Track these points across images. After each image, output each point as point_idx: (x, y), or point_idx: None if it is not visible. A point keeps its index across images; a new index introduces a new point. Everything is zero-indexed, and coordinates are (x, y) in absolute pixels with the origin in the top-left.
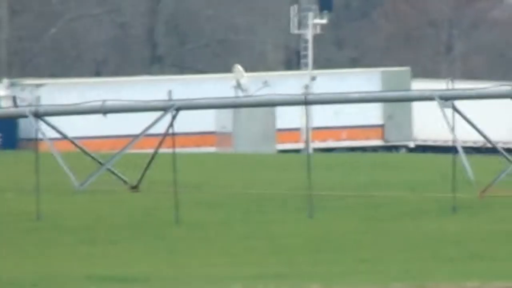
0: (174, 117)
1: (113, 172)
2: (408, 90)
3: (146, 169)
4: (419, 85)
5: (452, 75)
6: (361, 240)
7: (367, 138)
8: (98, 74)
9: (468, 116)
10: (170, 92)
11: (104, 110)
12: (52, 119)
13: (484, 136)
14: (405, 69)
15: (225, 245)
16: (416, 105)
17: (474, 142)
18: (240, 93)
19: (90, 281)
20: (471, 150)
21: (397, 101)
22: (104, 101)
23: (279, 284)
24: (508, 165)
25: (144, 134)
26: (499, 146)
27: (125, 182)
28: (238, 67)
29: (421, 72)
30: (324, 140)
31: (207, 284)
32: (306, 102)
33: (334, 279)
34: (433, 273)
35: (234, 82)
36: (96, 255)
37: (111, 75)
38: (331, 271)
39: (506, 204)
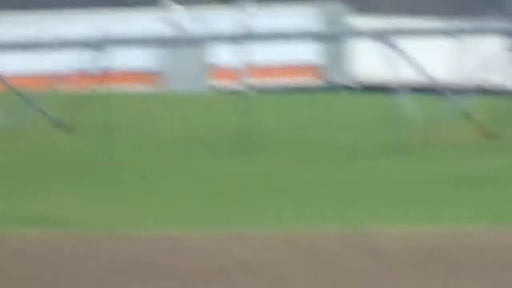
0: (104, 54)
1: (41, 110)
2: (348, 27)
3: (75, 107)
4: (360, 22)
5: (394, 11)
6: (300, 181)
7: (307, 78)
8: (23, 7)
9: (411, 55)
10: (98, 27)
11: (34, 45)
12: None
13: (429, 76)
14: (344, 4)
15: (160, 188)
16: (356, 43)
17: (416, 82)
18: (173, 30)
19: (15, 221)
20: (413, 90)
21: (336, 38)
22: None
23: (213, 226)
24: (449, 105)
25: (75, 71)
26: (442, 85)
27: (54, 120)
28: (170, 2)
29: (361, 8)
30: (261, 79)
31: (139, 227)
32: (243, 38)
33: (271, 221)
34: (375, 215)
35: (169, 17)
36: (22, 195)
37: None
38: (269, 213)
39: (449, 146)
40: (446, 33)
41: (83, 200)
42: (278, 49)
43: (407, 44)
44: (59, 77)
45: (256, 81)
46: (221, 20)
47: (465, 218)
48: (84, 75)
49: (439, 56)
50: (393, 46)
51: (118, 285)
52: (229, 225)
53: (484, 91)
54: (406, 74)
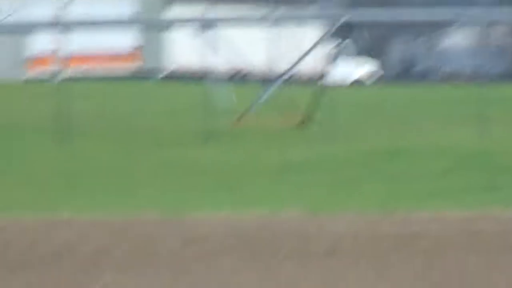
0: None
1: None
2: (164, 15)
3: None
4: (176, 10)
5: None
6: (115, 168)
7: (122, 65)
8: None
9: (226, 43)
10: None
11: None
12: None
13: (243, 65)
14: None
15: None
16: (172, 31)
17: (230, 70)
18: None
19: None
20: (227, 78)
21: (152, 26)
22: None
23: (32, 212)
24: (263, 93)
25: None
26: (255, 74)
27: None
28: None
29: None
30: (77, 67)
31: None
32: (60, 26)
33: (88, 208)
34: (187, 202)
35: None
36: None
37: None
38: (86, 199)
39: (259, 133)
40: (263, 21)
41: None
42: (96, 37)
43: (223, 32)
44: None
45: (73, 68)
46: (39, 8)
47: (276, 205)
48: None
49: (255, 44)
50: (209, 35)
51: None
52: (48, 209)
53: (297, 80)
54: (220, 62)
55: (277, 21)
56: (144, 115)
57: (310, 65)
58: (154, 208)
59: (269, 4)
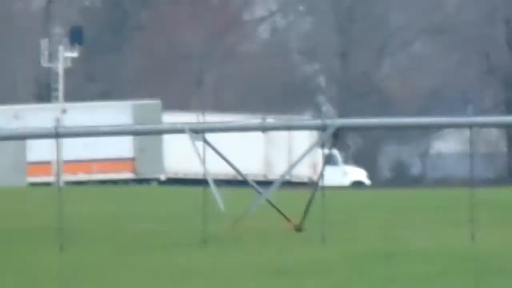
0: None
1: None
2: (159, 122)
3: None
4: (170, 118)
5: (203, 108)
6: (110, 273)
7: (118, 171)
8: None
9: (220, 149)
10: None
11: None
12: None
13: (234, 168)
14: (156, 101)
15: None
16: (167, 138)
17: (225, 175)
18: None
19: None
20: (222, 182)
21: (148, 134)
22: None
23: None
24: (258, 197)
25: None
26: (249, 178)
27: None
28: None
29: (172, 105)
30: (75, 173)
31: None
32: (57, 135)
33: None
34: None
35: None
36: None
37: None
38: None
39: (257, 236)
40: (255, 128)
41: None
42: (94, 145)
43: (217, 138)
44: None
45: (70, 175)
46: (38, 117)
47: None
48: None
49: (248, 149)
50: (203, 140)
51: None
52: None
53: (290, 184)
54: (215, 167)
55: (270, 129)
56: (140, 219)
57: (302, 170)
58: None
59: (261, 113)
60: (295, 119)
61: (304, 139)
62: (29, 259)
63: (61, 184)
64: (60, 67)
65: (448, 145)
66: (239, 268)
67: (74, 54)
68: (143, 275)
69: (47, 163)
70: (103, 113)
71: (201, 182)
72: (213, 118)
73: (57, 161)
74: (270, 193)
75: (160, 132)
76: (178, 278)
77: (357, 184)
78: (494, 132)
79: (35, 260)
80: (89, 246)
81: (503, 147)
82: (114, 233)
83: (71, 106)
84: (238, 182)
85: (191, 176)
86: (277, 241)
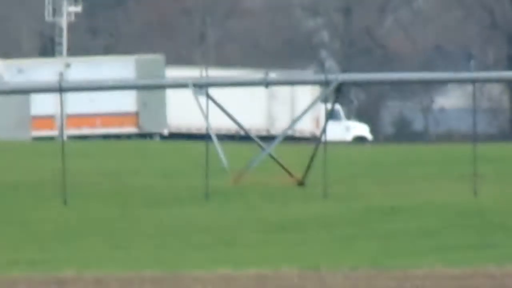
0: None
1: None
2: (162, 77)
3: None
4: (174, 73)
5: (206, 63)
6: (114, 226)
7: (122, 126)
8: None
9: (222, 104)
10: None
11: None
12: None
13: (237, 123)
14: (159, 56)
15: None
16: (170, 92)
17: (228, 130)
18: None
19: None
20: (225, 137)
21: (151, 88)
22: None
23: (33, 269)
24: (261, 152)
25: None
26: (252, 133)
27: None
28: None
29: (175, 60)
30: (78, 127)
31: None
32: (61, 89)
33: (88, 265)
34: (185, 260)
35: None
36: None
37: None
38: (85, 257)
39: (259, 191)
40: (258, 83)
41: None
42: (97, 99)
43: (220, 94)
44: None
45: (73, 129)
46: (42, 71)
47: (274, 262)
48: None
49: (251, 104)
50: (206, 95)
51: None
52: (48, 268)
53: (293, 139)
54: (218, 122)
55: (272, 83)
56: (143, 174)
57: (305, 125)
58: (152, 266)
59: (265, 67)
60: (298, 74)
61: (306, 94)
62: (33, 213)
63: (65, 138)
64: (63, 22)
65: (451, 100)
66: (242, 223)
67: (78, 8)
68: (146, 230)
69: (51, 117)
70: (106, 67)
71: (203, 137)
72: (216, 73)
73: (61, 115)
74: (273, 148)
75: (163, 87)
76: (181, 232)
77: (360, 139)
78: (497, 87)
79: (39, 214)
80: (92, 201)
81: (506, 102)
82: (118, 187)
83: (74, 60)
84: (241, 137)
85: (194, 131)
86: (280, 195)
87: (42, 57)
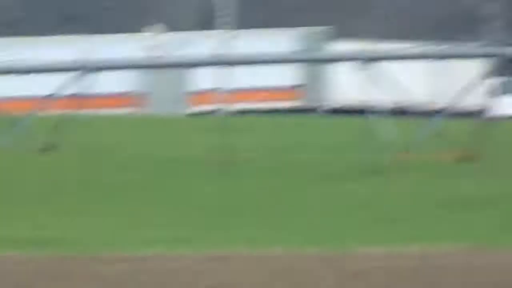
0: (86, 78)
1: (26, 133)
2: (326, 50)
3: (58, 130)
4: (337, 46)
5: (371, 36)
6: (277, 203)
7: (284, 100)
8: (10, 32)
9: (385, 78)
10: (82, 52)
11: (16, 70)
12: None
13: (406, 99)
14: (323, 28)
15: (138, 208)
16: (335, 66)
17: (391, 104)
18: (156, 53)
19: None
20: (387, 112)
21: (314, 62)
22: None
23: (193, 246)
24: (425, 127)
25: (59, 95)
26: (415, 107)
27: (39, 142)
28: (155, 26)
29: (340, 33)
30: (240, 102)
31: (118, 247)
32: (224, 62)
33: (250, 243)
34: (349, 236)
35: (150, 42)
36: (4, 215)
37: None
38: (244, 234)
39: (423, 167)
40: (424, 56)
41: (64, 220)
42: (258, 73)
43: (385, 67)
44: (45, 101)
45: (235, 104)
46: (201, 44)
47: (442, 239)
48: (69, 99)
49: (417, 79)
50: (371, 69)
51: None
52: (209, 245)
53: (460, 114)
54: (382, 96)
55: (438, 57)
56: (305, 149)
57: (472, 99)
58: (316, 243)
59: (431, 40)
60: (464, 46)
61: (472, 67)
62: (190, 189)
63: (226, 112)
64: None
65: None
66: (404, 199)
67: None
68: (307, 206)
69: (210, 91)
70: (269, 40)
71: (366, 111)
72: (380, 46)
73: (222, 90)
74: (437, 123)
75: (327, 61)
76: (343, 208)
77: None
78: None
79: (196, 190)
80: (254, 177)
81: None
82: (279, 163)
83: (238, 33)
84: (404, 112)
85: (356, 105)
86: (444, 172)
87: (203, 30)
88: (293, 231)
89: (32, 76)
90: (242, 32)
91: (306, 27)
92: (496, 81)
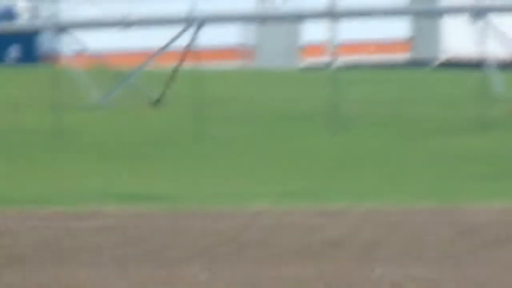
0: (197, 31)
1: (135, 87)
2: (437, 2)
3: (167, 84)
4: None
5: None
6: (388, 157)
7: (395, 53)
8: None
9: (500, 29)
10: (192, 3)
11: (127, 23)
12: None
13: None
14: None
15: (249, 162)
16: (447, 19)
17: (506, 58)
18: (264, 6)
19: (109, 197)
20: (502, 65)
21: (426, 14)
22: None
23: (302, 201)
24: None
25: (168, 48)
26: None
27: (147, 98)
28: None
29: None
30: (350, 54)
31: (231, 202)
32: (334, 15)
33: (360, 196)
34: (462, 191)
35: None
36: (116, 172)
37: None
38: (357, 189)
39: None
40: None
41: (174, 175)
42: (369, 25)
43: (497, 20)
44: (154, 54)
45: (345, 57)
46: None
47: None
48: (176, 52)
49: None
50: (484, 22)
51: (222, 258)
52: (319, 200)
53: None
54: (494, 49)
55: None
56: (417, 103)
57: None
58: (429, 197)
59: None
60: None
61: None
62: (302, 144)
63: (336, 66)
64: None
65: None
66: None
67: None
68: (419, 160)
69: (322, 44)
70: None
71: (479, 65)
72: None
73: (332, 43)
74: None
75: (439, 13)
76: (457, 162)
77: None
78: None
79: (308, 144)
80: (364, 131)
81: None
82: (391, 117)
83: None
84: None
85: (469, 58)
86: None
87: None
88: (407, 185)
89: (140, 29)
90: None
91: None
92: None
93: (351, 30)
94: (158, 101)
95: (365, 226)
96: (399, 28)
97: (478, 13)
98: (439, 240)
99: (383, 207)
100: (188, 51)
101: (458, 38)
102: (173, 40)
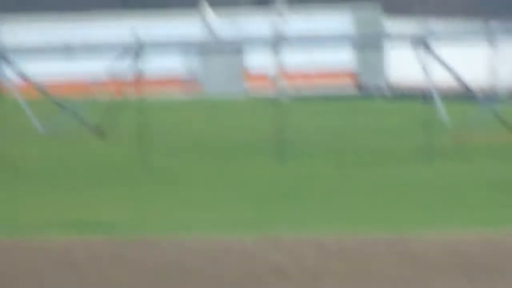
0: (139, 59)
1: (77, 117)
2: (381, 29)
3: (112, 113)
4: (391, 24)
5: (426, 13)
6: (334, 187)
7: (341, 82)
8: (60, 10)
9: (442, 58)
10: (134, 31)
11: (69, 51)
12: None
13: (462, 81)
14: (375, 4)
15: (192, 191)
16: (392, 47)
17: (449, 87)
18: (208, 33)
19: (51, 226)
20: (446, 95)
21: (373, 43)
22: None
23: (247, 229)
24: (482, 109)
25: (111, 77)
26: (474, 89)
27: (90, 127)
28: (205, 5)
29: (393, 10)
30: (295, 84)
31: (174, 230)
32: (278, 43)
33: (305, 225)
34: (408, 220)
35: (200, 23)
36: (59, 201)
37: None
38: (302, 218)
39: (482, 150)
40: (481, 35)
41: (119, 204)
42: (312, 54)
43: (441, 48)
44: (95, 84)
45: (290, 85)
46: (256, 24)
47: (501, 223)
48: (119, 81)
49: (473, 61)
50: (428, 50)
51: None
52: (264, 229)
53: None
54: (439, 78)
55: (493, 35)
56: (363, 133)
57: None
58: (376, 226)
59: (482, 17)
60: None
61: None
62: (249, 172)
63: (281, 95)
64: None
65: None
66: (464, 182)
67: None
68: (365, 189)
69: (266, 73)
70: (322, 20)
71: (423, 95)
72: (436, 24)
73: (276, 71)
74: (497, 105)
75: (384, 41)
76: (401, 191)
77: None
78: None
79: (255, 173)
80: (310, 160)
81: None
82: (337, 147)
83: (289, 12)
84: (463, 95)
85: (415, 88)
86: (505, 155)
87: (256, 9)
88: (351, 214)
89: (83, 57)
90: (295, 11)
91: (357, 5)
92: None
93: (297, 58)
94: (102, 131)
95: (309, 255)
96: (344, 57)
97: (418, 42)
98: (384, 269)
99: (328, 236)
100: (133, 80)
101: (401, 67)
102: (117, 68)
